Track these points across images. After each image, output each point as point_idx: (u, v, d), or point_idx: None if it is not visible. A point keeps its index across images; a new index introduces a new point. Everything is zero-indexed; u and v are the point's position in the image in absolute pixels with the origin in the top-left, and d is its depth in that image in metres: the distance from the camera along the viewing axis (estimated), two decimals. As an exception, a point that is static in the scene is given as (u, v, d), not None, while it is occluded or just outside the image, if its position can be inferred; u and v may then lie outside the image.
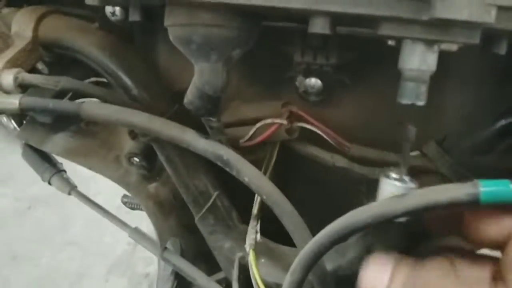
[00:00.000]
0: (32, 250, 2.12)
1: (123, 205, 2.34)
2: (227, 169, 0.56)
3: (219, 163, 0.57)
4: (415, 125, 0.60)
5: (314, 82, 0.59)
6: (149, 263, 2.21)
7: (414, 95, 0.45)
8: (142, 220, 2.20)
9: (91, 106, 0.55)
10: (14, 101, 0.56)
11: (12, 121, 0.71)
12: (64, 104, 0.56)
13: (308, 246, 0.54)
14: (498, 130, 0.56)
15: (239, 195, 0.67)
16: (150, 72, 0.62)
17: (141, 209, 1.68)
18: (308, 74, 0.58)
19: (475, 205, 0.42)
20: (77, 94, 0.58)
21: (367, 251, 0.64)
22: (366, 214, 0.50)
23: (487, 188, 0.44)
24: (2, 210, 2.26)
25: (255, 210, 0.62)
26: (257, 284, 0.59)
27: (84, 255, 2.13)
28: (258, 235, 0.62)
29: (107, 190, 2.30)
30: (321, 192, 0.71)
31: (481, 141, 0.58)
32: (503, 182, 0.43)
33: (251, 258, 0.60)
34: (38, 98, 0.57)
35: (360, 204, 0.49)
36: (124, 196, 1.68)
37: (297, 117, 0.60)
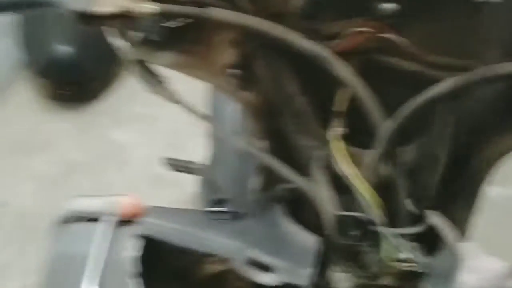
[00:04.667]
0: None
1: (157, 177, 2.46)
2: (323, 65, 0.69)
3: (316, 60, 0.69)
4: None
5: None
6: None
7: None
8: (178, 187, 2.28)
9: (220, 10, 0.68)
10: (153, 6, 0.69)
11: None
12: (196, 9, 0.68)
13: (391, 120, 0.68)
14: None
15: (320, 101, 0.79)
16: None
17: (186, 171, 1.78)
18: None
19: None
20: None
21: None
22: (440, 88, 0.65)
23: None
24: (41, 174, 2.38)
25: (341, 106, 0.74)
26: (343, 162, 0.72)
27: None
28: (342, 128, 0.75)
29: (139, 161, 2.43)
30: None
31: None
32: None
33: (333, 143, 0.74)
34: (174, 5, 0.69)
35: None
36: (170, 158, 1.77)
37: (378, 29, 0.72)
